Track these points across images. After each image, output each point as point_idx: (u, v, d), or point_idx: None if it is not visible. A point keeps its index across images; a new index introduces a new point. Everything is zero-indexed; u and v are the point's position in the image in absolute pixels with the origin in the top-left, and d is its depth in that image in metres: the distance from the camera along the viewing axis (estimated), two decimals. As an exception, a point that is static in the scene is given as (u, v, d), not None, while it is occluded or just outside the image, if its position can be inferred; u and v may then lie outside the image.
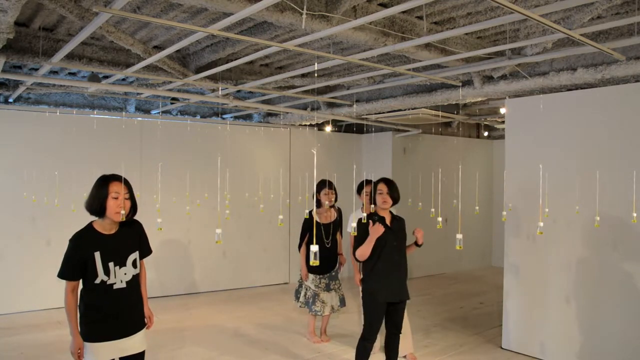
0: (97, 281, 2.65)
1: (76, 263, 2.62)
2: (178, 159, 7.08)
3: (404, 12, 3.63)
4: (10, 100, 6.16)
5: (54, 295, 6.22)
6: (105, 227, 2.71)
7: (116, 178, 2.68)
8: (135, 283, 2.80)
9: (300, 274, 5.14)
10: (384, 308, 3.66)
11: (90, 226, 2.72)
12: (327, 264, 5.00)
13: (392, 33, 3.63)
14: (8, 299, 5.99)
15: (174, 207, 6.75)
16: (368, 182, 3.86)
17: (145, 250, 2.93)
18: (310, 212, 5.02)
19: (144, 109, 7.12)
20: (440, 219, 4.18)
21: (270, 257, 7.99)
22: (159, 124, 6.99)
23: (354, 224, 3.17)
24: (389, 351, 3.78)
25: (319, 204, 5.03)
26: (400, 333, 3.78)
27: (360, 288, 3.80)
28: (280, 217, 4.74)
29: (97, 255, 2.64)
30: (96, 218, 2.72)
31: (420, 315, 6.23)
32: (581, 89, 4.58)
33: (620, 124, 4.24)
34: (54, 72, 5.76)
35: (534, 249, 4.79)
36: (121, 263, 2.72)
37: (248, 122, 7.98)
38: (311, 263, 2.10)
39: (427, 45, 3.91)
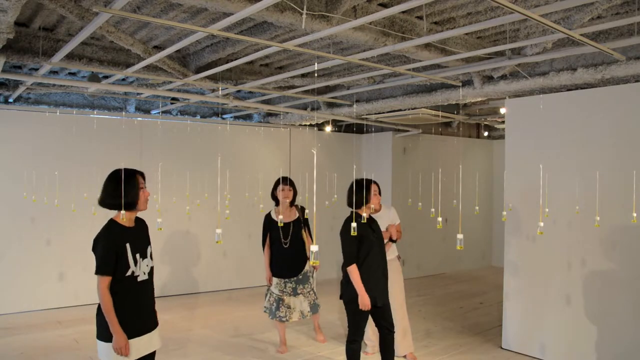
0: (128, 273, 2.68)
1: (113, 256, 2.65)
2: (178, 159, 7.08)
3: (404, 12, 3.63)
4: (10, 100, 6.16)
5: (54, 295, 6.24)
6: (128, 220, 2.76)
7: (136, 171, 2.79)
8: (152, 275, 2.86)
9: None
10: (369, 311, 3.67)
11: (113, 221, 2.76)
12: (292, 266, 4.73)
13: (392, 33, 3.63)
14: (8, 299, 5.99)
15: (174, 207, 6.75)
16: (368, 180, 3.80)
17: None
18: (270, 212, 4.93)
19: (144, 109, 7.12)
20: (440, 219, 4.17)
21: (270, 257, 7.98)
22: (159, 124, 6.99)
23: (354, 224, 3.09)
24: (385, 351, 3.78)
25: (277, 201, 4.91)
26: (394, 331, 3.78)
27: (340, 293, 3.75)
28: (281, 217, 4.72)
29: (128, 247, 2.70)
30: (115, 213, 2.75)
31: (420, 315, 6.23)
32: (581, 89, 4.58)
33: (620, 124, 4.24)
34: (54, 72, 5.76)
35: (534, 249, 4.79)
36: (144, 255, 2.79)
37: (248, 122, 7.98)
38: (311, 263, 2.11)
39: (427, 45, 3.91)
